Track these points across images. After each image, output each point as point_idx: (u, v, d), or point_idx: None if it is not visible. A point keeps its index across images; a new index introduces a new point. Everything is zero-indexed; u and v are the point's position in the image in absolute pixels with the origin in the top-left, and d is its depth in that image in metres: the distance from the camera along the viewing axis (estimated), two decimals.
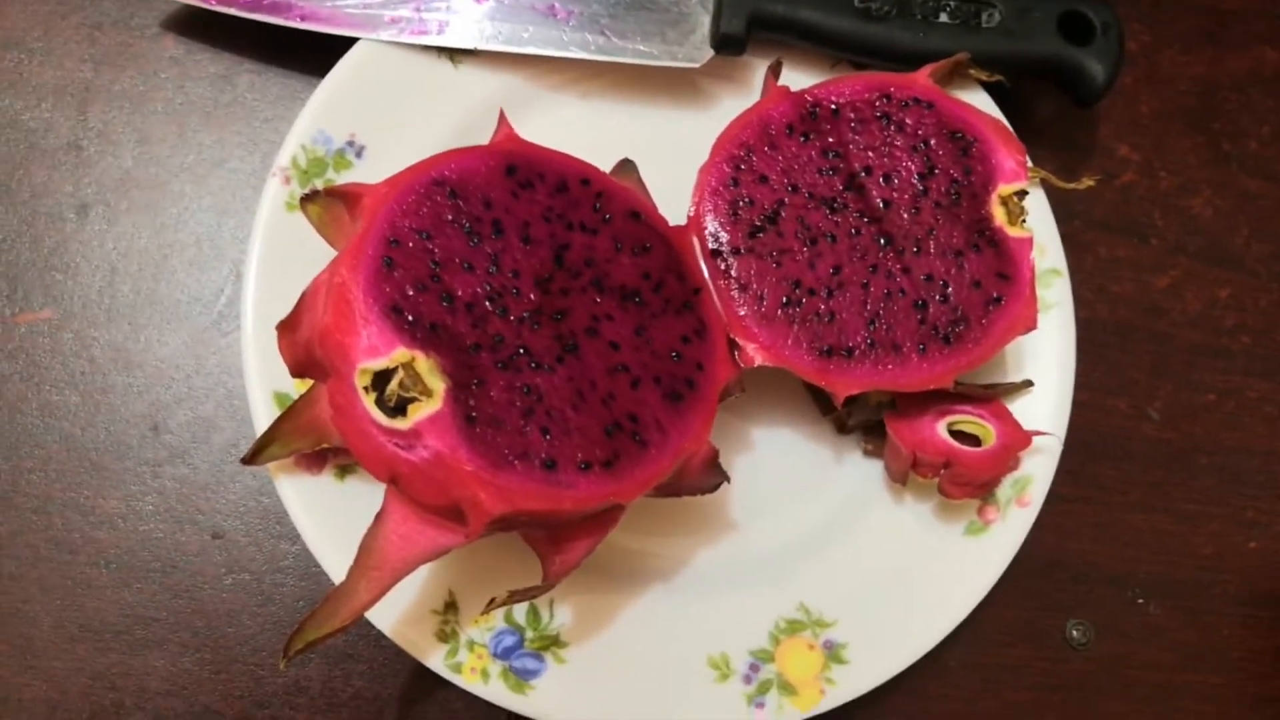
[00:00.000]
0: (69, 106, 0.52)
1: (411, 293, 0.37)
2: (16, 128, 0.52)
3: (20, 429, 0.49)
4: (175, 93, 0.53)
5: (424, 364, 0.36)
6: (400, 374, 0.36)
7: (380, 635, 0.45)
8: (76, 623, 0.48)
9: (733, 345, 0.44)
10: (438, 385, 0.36)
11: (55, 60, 0.52)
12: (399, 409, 0.36)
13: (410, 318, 0.37)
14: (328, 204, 0.41)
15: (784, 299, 0.45)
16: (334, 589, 0.39)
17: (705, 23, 0.51)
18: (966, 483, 0.46)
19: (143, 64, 0.53)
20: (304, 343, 0.38)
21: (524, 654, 0.45)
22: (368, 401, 0.36)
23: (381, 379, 0.36)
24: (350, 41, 0.50)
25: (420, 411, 0.36)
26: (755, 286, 0.45)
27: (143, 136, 0.52)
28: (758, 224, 0.46)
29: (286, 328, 0.39)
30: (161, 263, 0.51)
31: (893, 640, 0.47)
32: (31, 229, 0.51)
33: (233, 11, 0.50)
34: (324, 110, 0.49)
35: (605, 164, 0.45)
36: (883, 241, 0.46)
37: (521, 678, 0.45)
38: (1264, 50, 0.61)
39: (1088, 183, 0.51)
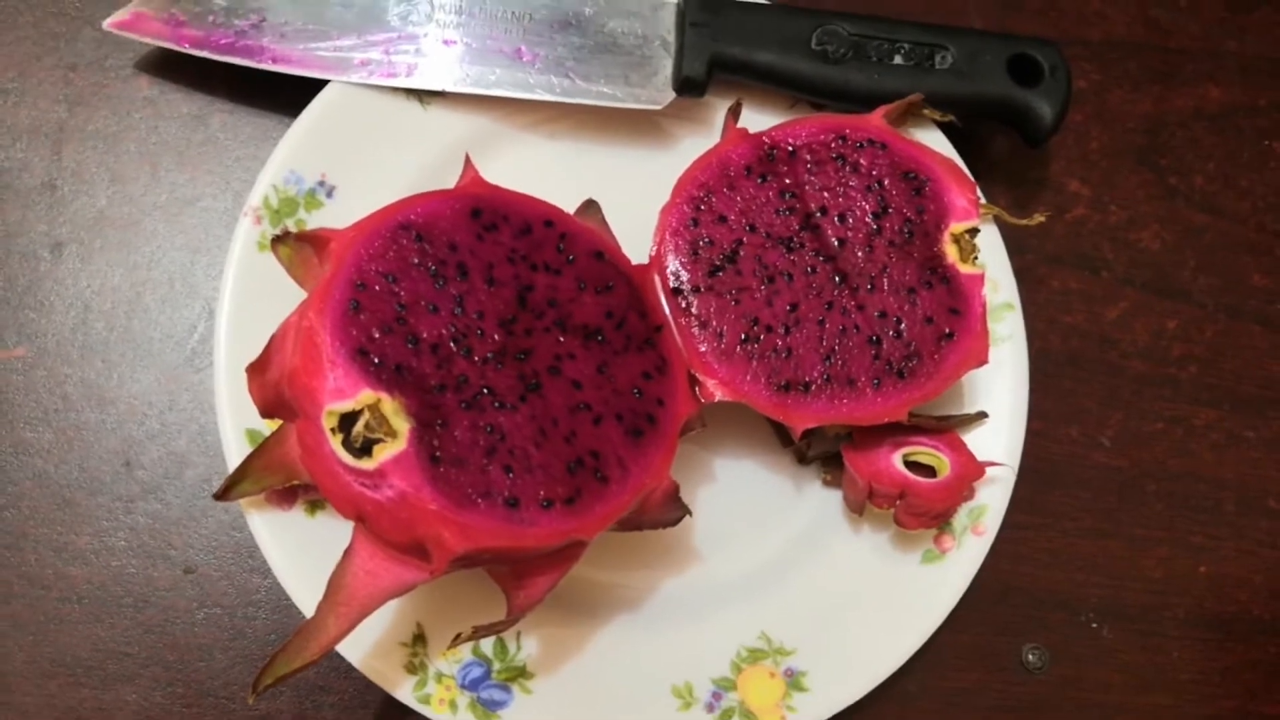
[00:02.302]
0: (43, 146, 0.53)
1: (377, 335, 0.38)
2: None
3: None
4: (149, 133, 0.54)
5: (389, 405, 0.37)
6: (366, 415, 0.37)
7: (350, 668, 0.45)
8: (48, 658, 0.48)
9: (693, 381, 0.46)
10: (402, 426, 0.37)
11: (30, 100, 0.53)
12: (365, 449, 0.37)
13: (376, 360, 0.38)
14: (297, 246, 0.42)
15: (743, 335, 0.46)
16: (303, 624, 0.39)
17: (667, 66, 0.53)
18: (922, 513, 0.47)
19: (117, 104, 0.54)
20: (273, 384, 0.39)
21: (491, 685, 0.46)
22: (334, 442, 0.37)
23: (348, 420, 0.37)
24: (321, 83, 0.51)
25: (385, 452, 0.37)
26: (715, 323, 0.46)
27: (116, 176, 0.53)
28: (717, 263, 0.47)
29: (256, 370, 0.40)
30: (135, 300, 0.52)
31: (852, 667, 0.48)
32: (5, 267, 0.52)
33: (206, 54, 0.51)
34: (295, 150, 0.50)
35: (570, 203, 0.47)
36: (838, 279, 0.47)
37: (489, 708, 0.46)
38: (1209, 88, 0.63)
39: (1039, 218, 0.53)
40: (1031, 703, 0.53)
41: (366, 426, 0.37)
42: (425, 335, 0.39)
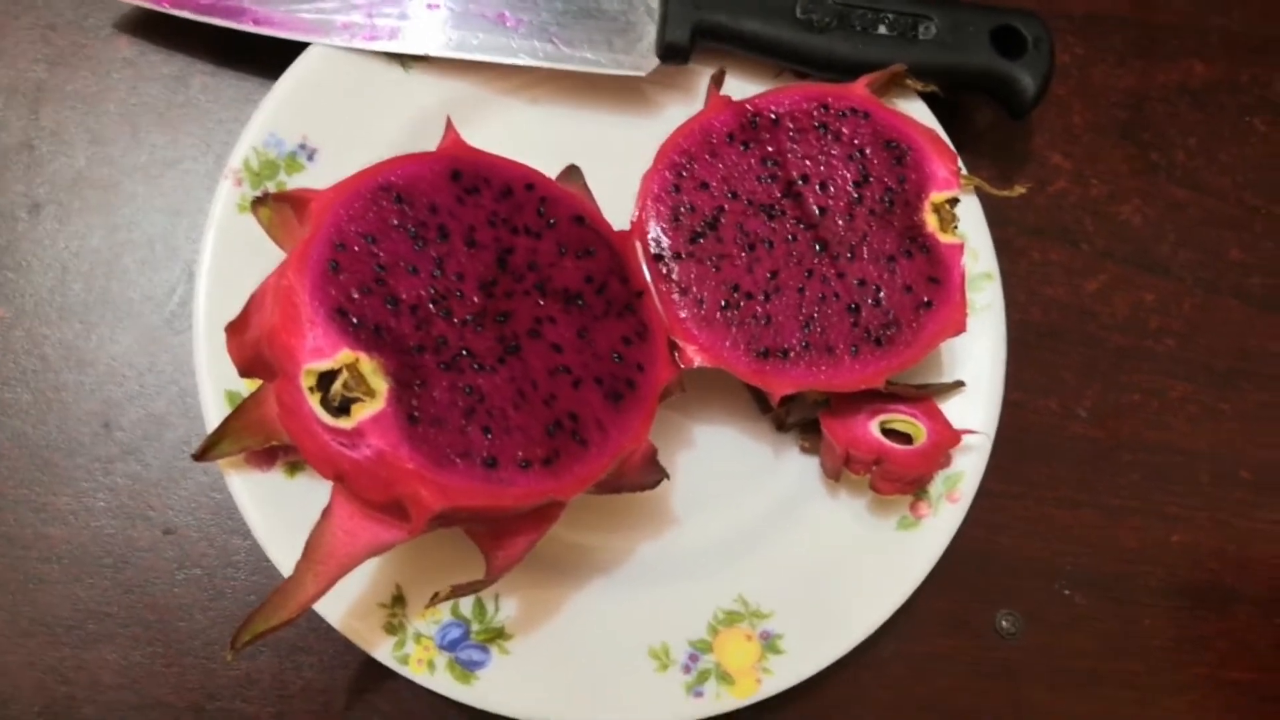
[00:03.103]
0: (21, 106, 0.53)
1: (356, 296, 0.39)
2: None
3: None
4: (129, 94, 0.53)
5: (368, 365, 0.38)
6: (344, 375, 0.37)
7: (329, 628, 0.46)
8: (28, 617, 0.48)
9: (673, 347, 0.46)
10: (381, 386, 0.38)
11: (8, 60, 0.53)
12: (343, 409, 0.37)
13: (355, 320, 0.38)
14: (277, 208, 0.42)
15: (723, 302, 0.46)
16: (282, 583, 0.40)
17: (651, 32, 0.53)
18: (897, 479, 0.48)
19: (96, 65, 0.53)
20: (252, 343, 0.40)
21: (470, 645, 0.47)
22: (313, 401, 0.37)
23: (326, 379, 0.37)
24: (303, 46, 0.50)
25: (364, 411, 0.37)
26: (695, 290, 0.46)
27: (95, 137, 0.53)
28: (698, 230, 0.47)
29: (235, 329, 0.40)
30: (114, 262, 0.52)
31: (828, 631, 0.49)
32: None
33: (186, 14, 0.51)
34: (276, 113, 0.49)
35: (552, 169, 0.47)
36: (818, 247, 0.48)
37: (467, 669, 0.46)
38: (1192, 64, 0.63)
39: (1020, 190, 0.53)
40: (1005, 668, 0.54)
41: (345, 385, 0.37)
42: (404, 296, 0.40)
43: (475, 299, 0.41)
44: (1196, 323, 0.59)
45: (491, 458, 0.38)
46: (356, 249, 0.39)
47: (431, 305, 0.40)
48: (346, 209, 0.40)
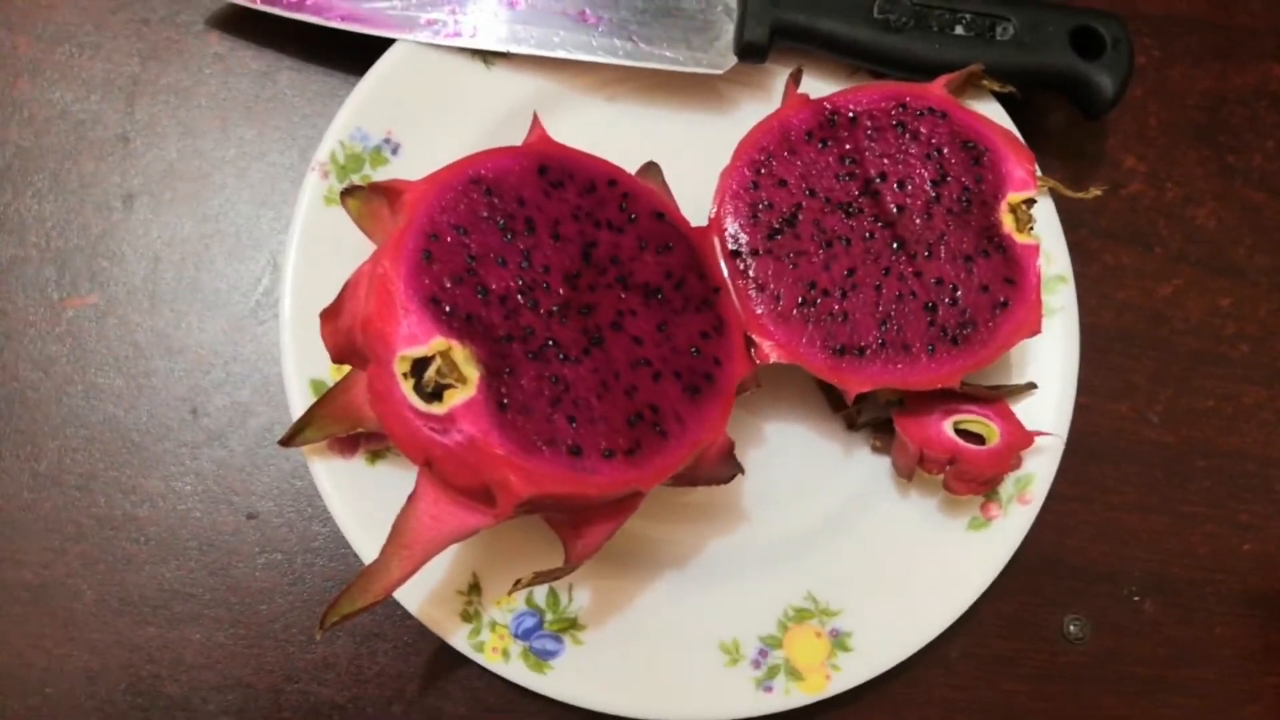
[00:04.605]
0: (117, 99, 0.54)
1: (449, 285, 0.39)
2: (66, 119, 0.54)
3: (66, 410, 0.51)
4: (219, 88, 0.55)
5: (460, 353, 0.38)
6: (437, 361, 0.38)
7: (405, 615, 0.47)
8: (117, 596, 0.50)
9: (749, 342, 0.46)
10: (472, 373, 0.38)
11: (104, 54, 0.55)
12: (435, 395, 0.38)
13: (448, 308, 0.39)
14: (367, 199, 0.43)
15: (800, 299, 0.47)
16: (368, 566, 0.41)
17: (729, 31, 0.53)
18: (970, 479, 0.48)
19: (188, 60, 0.55)
20: (345, 330, 0.41)
21: (543, 635, 0.47)
22: (406, 387, 0.38)
23: (419, 366, 0.38)
24: (388, 42, 0.52)
25: (455, 398, 0.38)
26: (772, 286, 0.47)
27: (187, 130, 0.54)
28: (776, 226, 0.47)
29: (329, 315, 0.41)
30: (203, 252, 0.53)
31: (896, 630, 0.49)
32: (80, 217, 0.53)
33: (275, 11, 0.52)
34: (362, 108, 0.51)
35: (630, 166, 0.47)
36: (895, 245, 0.48)
37: (541, 658, 0.47)
38: (1271, 67, 0.62)
39: (1095, 192, 0.53)
40: (1071, 673, 0.54)
41: (438, 372, 0.38)
42: (494, 286, 0.40)
43: (560, 291, 0.42)
44: (1272, 328, 0.59)
45: (577, 446, 0.39)
46: (449, 239, 0.40)
47: (519, 296, 0.41)
48: (439, 200, 0.41)
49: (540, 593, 0.48)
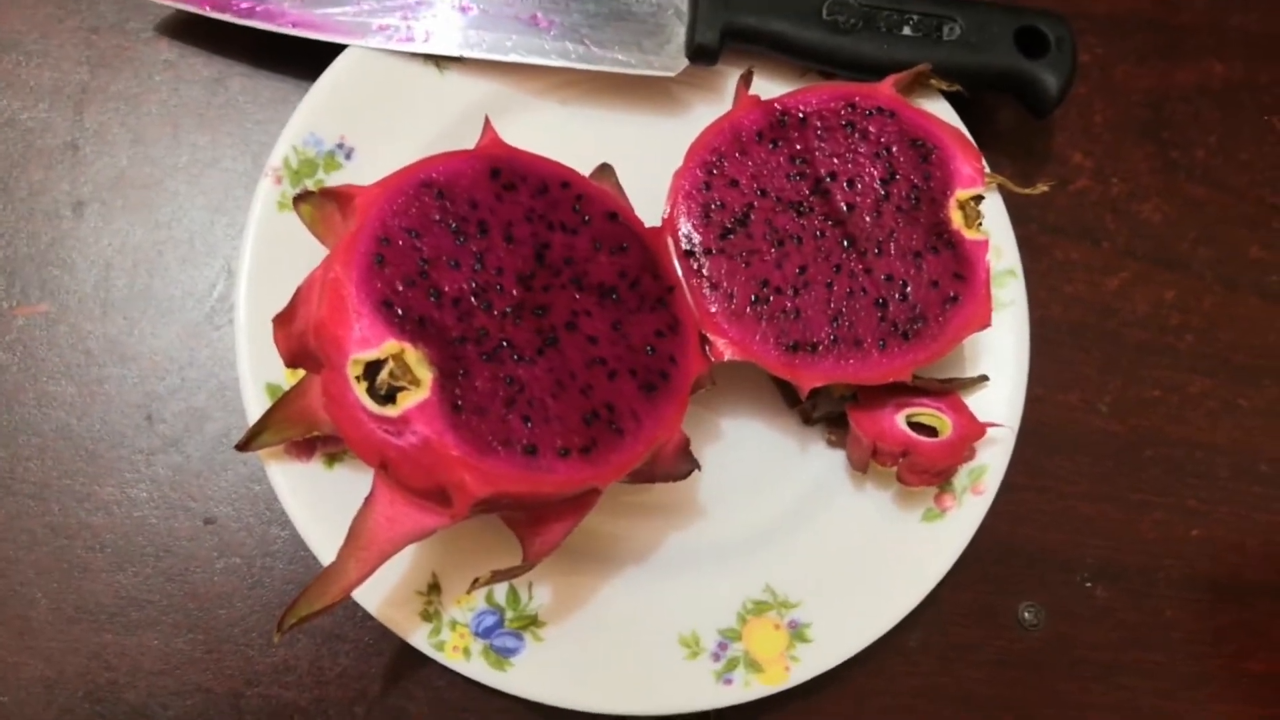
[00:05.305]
0: (66, 107, 0.54)
1: (401, 288, 0.40)
2: (15, 127, 0.53)
3: (18, 418, 0.51)
4: (169, 95, 0.55)
5: (413, 355, 0.39)
6: (390, 364, 0.38)
7: (366, 616, 0.47)
8: (73, 604, 0.49)
9: (704, 340, 0.47)
10: (425, 375, 0.39)
11: (53, 62, 0.54)
12: (389, 397, 0.38)
13: (400, 312, 0.39)
14: (320, 203, 0.43)
15: (753, 297, 0.47)
16: (326, 568, 0.41)
17: (680, 33, 0.54)
18: (923, 471, 0.49)
19: (138, 67, 0.55)
20: (298, 334, 0.41)
21: (504, 633, 0.48)
22: (359, 390, 0.38)
23: (372, 369, 0.38)
24: (340, 48, 0.52)
25: (409, 400, 0.38)
26: (725, 285, 0.47)
27: (137, 137, 0.54)
28: (728, 226, 0.48)
29: (282, 320, 0.41)
30: (155, 259, 0.53)
31: (854, 620, 0.49)
32: (29, 225, 0.53)
33: (226, 17, 0.52)
34: (315, 113, 0.51)
35: (584, 168, 0.48)
36: (846, 243, 0.48)
37: (501, 655, 0.47)
38: (1212, 64, 0.64)
39: (1042, 188, 0.54)
40: (1027, 659, 0.55)
41: (390, 375, 0.38)
42: (447, 289, 0.41)
43: (514, 292, 0.42)
44: (1216, 319, 0.60)
45: (532, 445, 0.39)
46: (400, 243, 0.40)
47: (473, 298, 0.41)
48: (390, 204, 0.41)
49: (500, 591, 0.48)
